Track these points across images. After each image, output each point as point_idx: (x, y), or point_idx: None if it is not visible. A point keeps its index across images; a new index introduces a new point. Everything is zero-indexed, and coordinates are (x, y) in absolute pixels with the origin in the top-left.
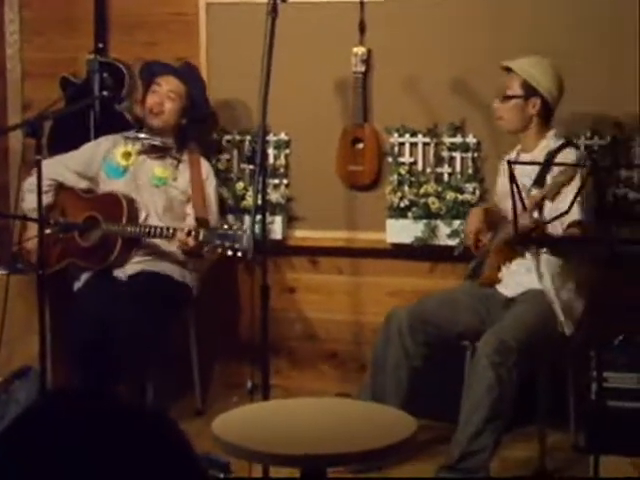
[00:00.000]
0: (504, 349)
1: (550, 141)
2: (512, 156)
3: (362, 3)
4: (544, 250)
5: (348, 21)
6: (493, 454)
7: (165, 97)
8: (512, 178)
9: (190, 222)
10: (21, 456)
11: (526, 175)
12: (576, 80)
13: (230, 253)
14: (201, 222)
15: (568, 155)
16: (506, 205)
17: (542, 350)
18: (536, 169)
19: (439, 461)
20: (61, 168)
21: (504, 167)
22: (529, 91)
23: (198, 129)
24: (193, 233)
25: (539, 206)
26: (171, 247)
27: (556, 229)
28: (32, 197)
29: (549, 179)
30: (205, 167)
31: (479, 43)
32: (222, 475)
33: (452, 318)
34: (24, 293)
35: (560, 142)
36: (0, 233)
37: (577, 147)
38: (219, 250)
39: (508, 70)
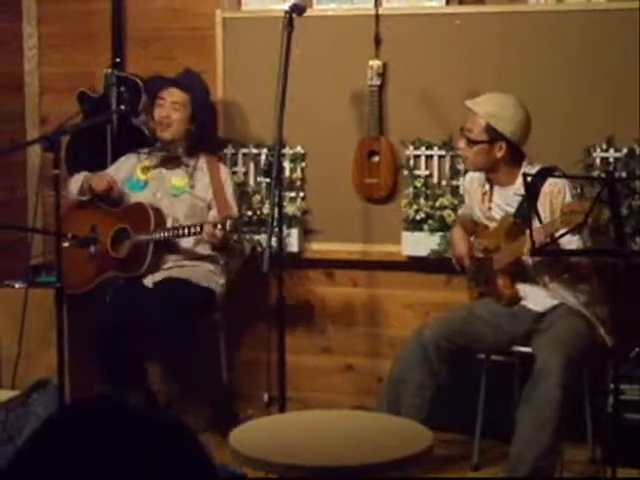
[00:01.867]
0: (571, 366)
1: (526, 170)
2: (485, 187)
3: (377, 16)
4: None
5: (364, 34)
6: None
7: (170, 109)
8: (528, 192)
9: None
10: (40, 469)
11: (507, 204)
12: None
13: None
14: (231, 220)
15: (557, 182)
16: (478, 213)
17: (592, 365)
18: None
19: (454, 473)
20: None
21: (470, 174)
22: (494, 135)
23: (207, 132)
24: (220, 225)
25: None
26: (200, 249)
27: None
28: (73, 187)
29: (540, 208)
30: (223, 170)
31: (494, 55)
32: None
33: (474, 334)
34: (42, 306)
35: (536, 168)
36: (18, 247)
37: (554, 171)
38: (246, 237)
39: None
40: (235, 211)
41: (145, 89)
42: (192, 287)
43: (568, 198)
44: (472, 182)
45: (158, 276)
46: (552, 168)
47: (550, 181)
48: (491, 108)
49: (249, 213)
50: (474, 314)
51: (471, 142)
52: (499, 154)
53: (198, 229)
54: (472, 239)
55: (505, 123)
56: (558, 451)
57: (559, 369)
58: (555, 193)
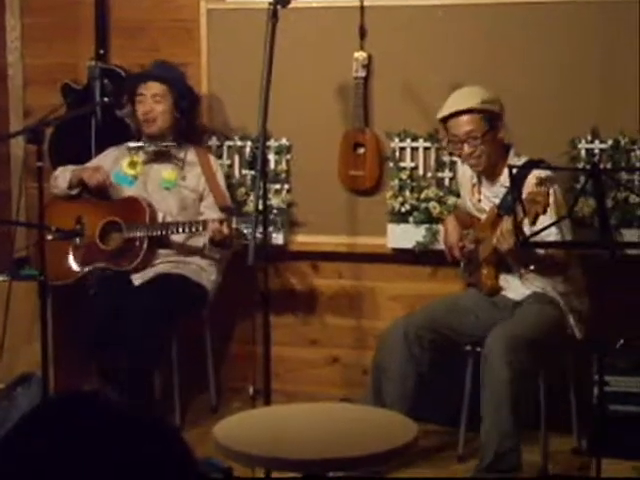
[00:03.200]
0: (515, 345)
1: (513, 161)
2: (474, 180)
3: (362, 8)
4: (531, 267)
5: (349, 26)
6: (521, 452)
7: (152, 103)
8: (513, 185)
9: (211, 216)
10: (20, 463)
11: (495, 196)
12: (578, 87)
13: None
14: (228, 210)
15: (540, 175)
16: (469, 205)
17: (552, 350)
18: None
19: (439, 465)
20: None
21: (462, 167)
22: (491, 118)
23: (191, 118)
24: (225, 222)
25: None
26: (192, 243)
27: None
28: (61, 181)
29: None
30: (214, 161)
31: (479, 47)
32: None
33: (458, 325)
34: (26, 299)
35: (522, 160)
36: (1, 240)
37: (540, 164)
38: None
39: (456, 115)
40: (230, 203)
41: (125, 87)
42: (185, 285)
43: (551, 198)
44: (464, 174)
45: (149, 272)
46: (539, 161)
47: (534, 174)
48: (474, 99)
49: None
50: (456, 304)
51: (477, 139)
52: (502, 133)
53: (201, 227)
54: (464, 230)
55: (491, 102)
56: (519, 433)
57: (500, 351)
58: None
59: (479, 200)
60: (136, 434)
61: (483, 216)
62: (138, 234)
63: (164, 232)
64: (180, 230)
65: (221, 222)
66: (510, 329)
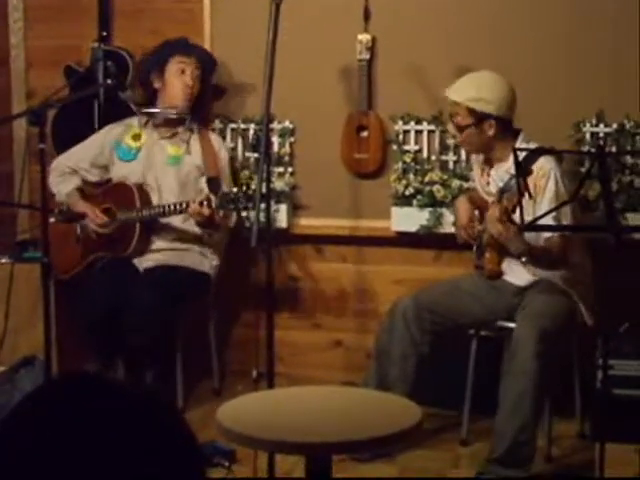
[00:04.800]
0: (545, 337)
1: (522, 146)
2: (479, 159)
3: None
4: (523, 259)
5: (352, 8)
6: (536, 443)
7: (195, 80)
8: (518, 167)
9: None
10: (22, 443)
11: (499, 179)
12: (583, 72)
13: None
14: (212, 181)
15: (544, 164)
16: (479, 187)
17: (569, 339)
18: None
19: (443, 448)
20: (75, 159)
21: (478, 157)
22: (479, 116)
23: (210, 95)
24: (205, 202)
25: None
26: (189, 227)
27: (536, 240)
28: (61, 188)
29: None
30: (216, 140)
31: (483, 29)
32: (227, 463)
33: (458, 307)
34: (29, 282)
35: (531, 147)
36: (4, 222)
37: (550, 151)
38: (234, 216)
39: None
40: (226, 182)
41: (159, 50)
42: (187, 274)
43: (551, 185)
44: (477, 157)
45: (150, 260)
46: (547, 149)
47: (540, 163)
48: (469, 93)
49: (234, 189)
50: (457, 287)
51: (460, 128)
52: (490, 132)
53: (184, 207)
54: (477, 212)
55: (486, 103)
56: (537, 425)
57: (533, 340)
58: (539, 176)
59: (487, 183)
60: (139, 415)
61: (491, 199)
62: (127, 219)
63: (150, 213)
64: (165, 211)
65: (201, 203)
66: (539, 322)
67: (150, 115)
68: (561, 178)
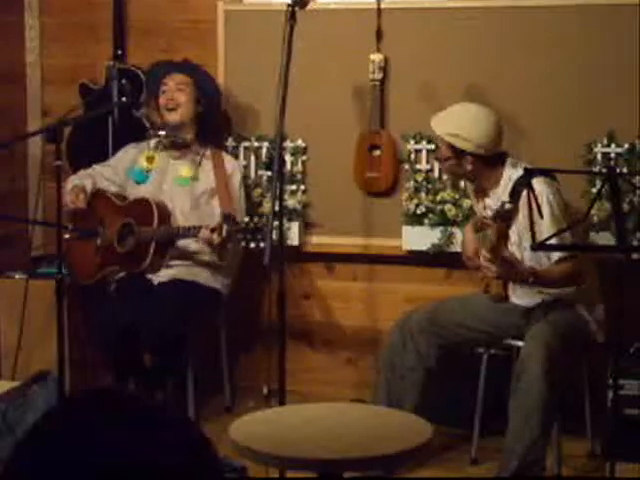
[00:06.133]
0: (552, 356)
1: (510, 172)
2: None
3: (379, 10)
4: (530, 280)
5: (366, 28)
6: (546, 461)
7: (175, 91)
8: (530, 189)
9: (217, 218)
10: (40, 464)
11: (495, 205)
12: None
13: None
14: (227, 217)
15: (536, 188)
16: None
17: (576, 358)
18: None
19: (452, 467)
20: (94, 173)
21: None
22: (458, 151)
23: (215, 117)
24: (217, 229)
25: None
26: (203, 247)
27: (542, 262)
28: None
29: (520, 215)
30: (230, 163)
31: (495, 50)
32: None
33: (464, 322)
34: (43, 298)
35: (519, 169)
36: (19, 238)
37: (538, 173)
38: (248, 244)
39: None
40: (240, 212)
41: (148, 78)
42: (200, 290)
43: (545, 207)
44: (470, 184)
45: (164, 276)
46: (534, 170)
47: (535, 182)
48: (449, 128)
49: (246, 220)
50: (464, 303)
51: (441, 159)
52: (469, 167)
53: (195, 231)
54: (481, 235)
55: (463, 140)
56: (546, 444)
57: (540, 360)
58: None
59: (484, 207)
60: (156, 431)
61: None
62: (145, 236)
63: (163, 234)
64: (178, 233)
65: (212, 230)
66: (546, 340)
67: (157, 137)
68: (554, 198)
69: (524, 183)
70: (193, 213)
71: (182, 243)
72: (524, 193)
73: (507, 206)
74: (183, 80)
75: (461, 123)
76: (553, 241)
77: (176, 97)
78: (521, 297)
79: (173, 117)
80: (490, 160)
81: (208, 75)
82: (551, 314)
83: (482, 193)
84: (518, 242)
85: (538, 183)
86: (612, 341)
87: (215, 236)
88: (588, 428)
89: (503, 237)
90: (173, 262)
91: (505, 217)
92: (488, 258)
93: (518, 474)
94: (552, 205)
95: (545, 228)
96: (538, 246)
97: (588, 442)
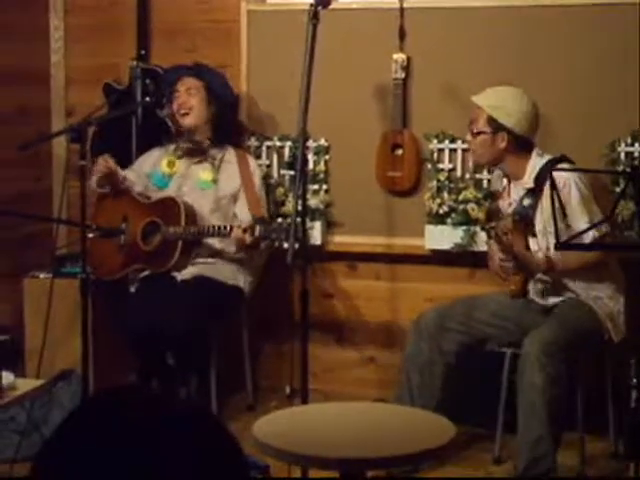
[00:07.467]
0: (549, 349)
1: (535, 161)
2: (504, 183)
3: (402, 10)
4: (544, 268)
5: (388, 28)
6: (556, 457)
7: (186, 95)
8: (553, 187)
9: (244, 219)
10: (67, 460)
11: (517, 196)
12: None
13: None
14: (260, 219)
15: (561, 175)
16: (503, 210)
17: (589, 356)
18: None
19: (475, 466)
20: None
21: (497, 173)
22: (496, 126)
23: (232, 117)
24: (249, 230)
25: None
26: (227, 247)
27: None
28: (93, 180)
29: (546, 201)
30: (252, 162)
31: (518, 49)
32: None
33: (483, 322)
34: (67, 297)
35: (545, 159)
36: (44, 237)
37: (563, 160)
38: (276, 244)
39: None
40: (264, 210)
41: (162, 85)
42: (222, 287)
43: (574, 192)
44: (497, 180)
45: (187, 273)
46: (560, 158)
47: (556, 176)
48: (493, 101)
49: (279, 221)
50: (482, 301)
51: (474, 133)
52: (502, 145)
53: (227, 231)
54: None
55: (506, 114)
56: (552, 441)
57: (536, 355)
58: (560, 187)
59: (509, 204)
60: (183, 427)
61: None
62: (173, 235)
63: (193, 233)
64: (208, 232)
65: (244, 230)
66: (546, 335)
67: (175, 147)
68: (581, 181)
69: (549, 169)
70: (213, 216)
71: (207, 242)
72: (548, 181)
73: (526, 201)
74: (193, 84)
75: (506, 98)
76: (584, 223)
77: (188, 101)
78: (541, 295)
79: (187, 121)
80: (521, 144)
81: (219, 76)
82: (563, 312)
83: (508, 188)
84: (543, 231)
85: (561, 178)
86: (634, 341)
87: (247, 236)
88: (611, 428)
89: (521, 234)
90: (196, 260)
91: (523, 214)
92: (503, 258)
93: (526, 470)
94: (580, 188)
95: (578, 208)
96: (561, 245)
97: (611, 443)
